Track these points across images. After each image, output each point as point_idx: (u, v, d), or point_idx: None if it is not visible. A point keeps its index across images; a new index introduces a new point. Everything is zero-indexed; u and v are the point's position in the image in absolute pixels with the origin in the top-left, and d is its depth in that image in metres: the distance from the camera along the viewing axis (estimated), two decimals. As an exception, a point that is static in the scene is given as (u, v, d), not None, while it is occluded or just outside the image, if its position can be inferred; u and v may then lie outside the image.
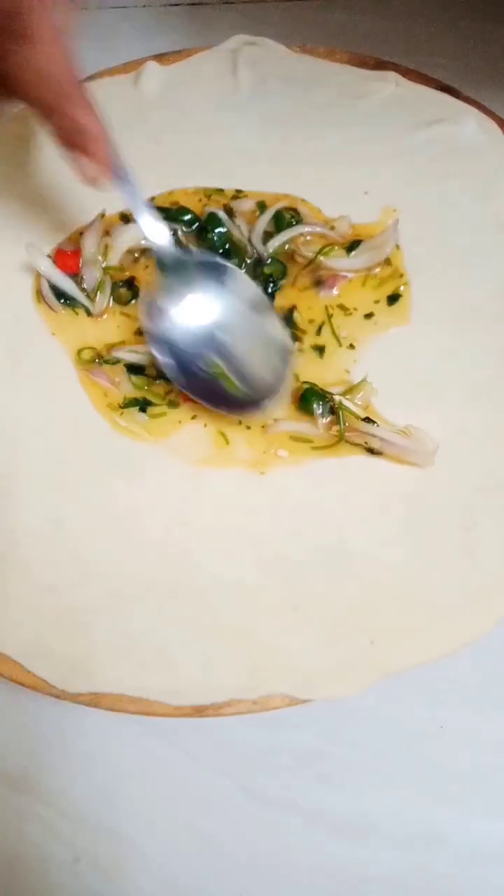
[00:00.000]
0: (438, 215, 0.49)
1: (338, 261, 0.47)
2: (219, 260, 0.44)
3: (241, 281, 0.44)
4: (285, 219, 0.49)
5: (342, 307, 0.46)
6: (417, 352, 0.45)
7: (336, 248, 0.47)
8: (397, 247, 0.47)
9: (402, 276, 0.47)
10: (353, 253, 0.47)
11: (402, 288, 0.47)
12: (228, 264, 0.44)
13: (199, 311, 0.43)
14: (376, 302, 0.46)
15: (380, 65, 0.56)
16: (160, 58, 0.60)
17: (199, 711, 0.36)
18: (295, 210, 0.50)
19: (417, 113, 0.53)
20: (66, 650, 0.38)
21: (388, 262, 0.47)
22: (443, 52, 0.63)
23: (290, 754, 0.42)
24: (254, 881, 0.41)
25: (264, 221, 0.49)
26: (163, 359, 0.43)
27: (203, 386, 0.43)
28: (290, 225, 0.49)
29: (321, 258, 0.47)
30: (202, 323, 0.43)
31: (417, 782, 0.41)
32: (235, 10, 0.72)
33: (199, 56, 0.59)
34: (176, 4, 0.74)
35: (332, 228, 0.48)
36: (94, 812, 0.42)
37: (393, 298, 0.46)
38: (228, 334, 0.43)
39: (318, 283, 0.48)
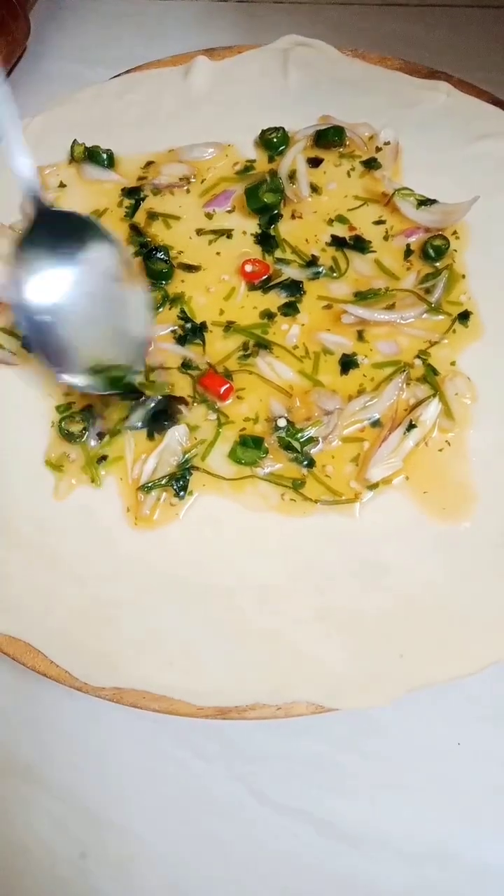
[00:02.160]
0: (486, 229, 0.48)
1: (408, 207, 0.48)
2: (84, 216, 0.42)
3: (104, 245, 0.40)
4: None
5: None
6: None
7: (413, 195, 0.49)
8: (463, 276, 0.47)
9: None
10: (422, 207, 0.48)
11: (462, 297, 0.47)
12: (94, 221, 0.42)
13: (61, 280, 0.39)
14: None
15: (431, 74, 0.56)
16: (210, 52, 0.59)
17: (222, 713, 0.36)
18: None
19: (468, 125, 0.52)
20: (91, 643, 0.38)
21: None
22: (493, 66, 0.62)
23: (303, 762, 0.42)
24: (260, 887, 0.40)
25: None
26: (32, 336, 0.40)
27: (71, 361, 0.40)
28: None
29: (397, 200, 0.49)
30: (64, 299, 0.39)
31: (431, 797, 0.41)
32: (283, 9, 0.72)
33: (250, 53, 0.59)
34: (223, 0, 0.74)
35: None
36: (103, 808, 0.42)
37: (464, 316, 0.46)
38: (88, 311, 0.40)
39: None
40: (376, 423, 0.43)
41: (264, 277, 0.48)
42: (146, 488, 0.42)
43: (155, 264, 0.48)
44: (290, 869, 0.40)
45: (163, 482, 0.42)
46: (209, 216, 0.51)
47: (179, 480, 0.42)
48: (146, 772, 0.42)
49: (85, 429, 0.44)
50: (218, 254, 0.49)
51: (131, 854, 0.41)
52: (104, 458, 0.43)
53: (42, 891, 0.41)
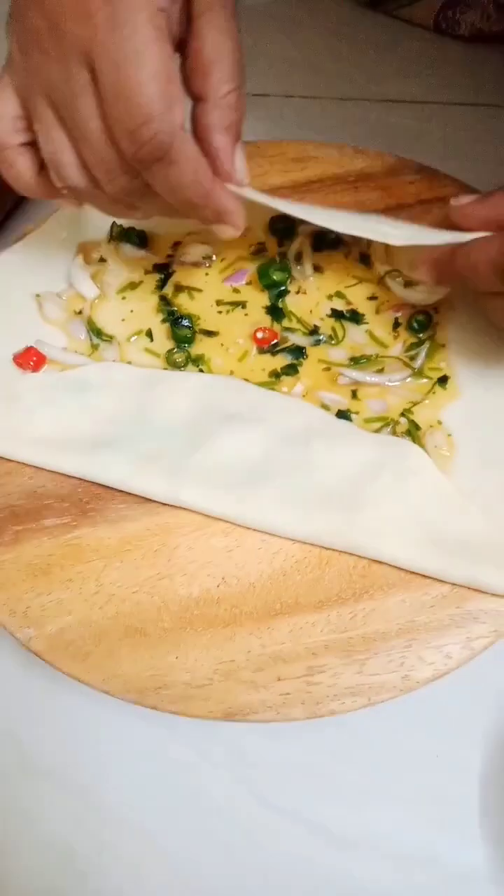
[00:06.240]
0: (465, 305, 0.55)
1: (397, 287, 0.56)
2: None
3: None
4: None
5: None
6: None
7: (401, 275, 0.56)
8: (443, 346, 0.54)
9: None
10: (409, 287, 0.55)
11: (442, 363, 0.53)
12: None
13: None
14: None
15: (420, 170, 0.65)
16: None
17: (228, 716, 0.41)
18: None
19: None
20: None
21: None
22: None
23: (298, 768, 0.46)
24: (260, 883, 0.44)
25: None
26: None
27: None
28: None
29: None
30: None
31: (415, 805, 0.45)
32: (290, 104, 0.80)
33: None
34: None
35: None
36: (118, 807, 0.46)
37: (443, 380, 0.53)
38: None
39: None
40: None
41: (273, 343, 0.56)
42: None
43: (180, 330, 0.56)
44: (287, 867, 0.44)
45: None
46: (228, 290, 0.59)
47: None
48: (159, 774, 0.47)
49: None
50: (246, 314, 0.57)
51: (144, 852, 0.45)
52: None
53: (55, 887, 0.45)
